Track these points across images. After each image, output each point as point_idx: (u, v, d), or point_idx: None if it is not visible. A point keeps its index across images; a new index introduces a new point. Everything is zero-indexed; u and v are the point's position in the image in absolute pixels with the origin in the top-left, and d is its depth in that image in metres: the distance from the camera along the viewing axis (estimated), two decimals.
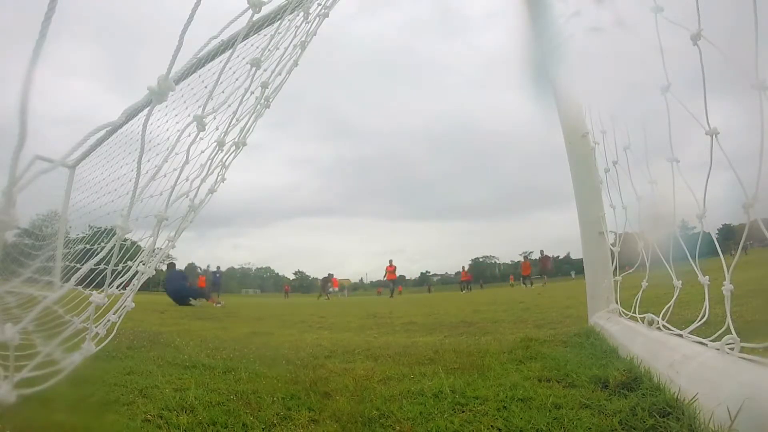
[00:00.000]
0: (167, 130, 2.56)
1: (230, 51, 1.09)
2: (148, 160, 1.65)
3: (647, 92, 1.36)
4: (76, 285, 0.90)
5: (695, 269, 1.30)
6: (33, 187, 0.60)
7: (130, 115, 1.77)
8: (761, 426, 0.66)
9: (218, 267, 18.75)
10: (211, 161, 1.30)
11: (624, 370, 1.14)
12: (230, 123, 1.30)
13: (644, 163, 1.57)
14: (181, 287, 7.12)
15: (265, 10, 0.97)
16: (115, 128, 2.86)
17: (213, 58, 2.12)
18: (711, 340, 1.00)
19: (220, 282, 18.79)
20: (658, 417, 0.84)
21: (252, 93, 1.38)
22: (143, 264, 1.22)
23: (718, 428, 0.72)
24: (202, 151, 1.36)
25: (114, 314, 1.22)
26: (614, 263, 2.11)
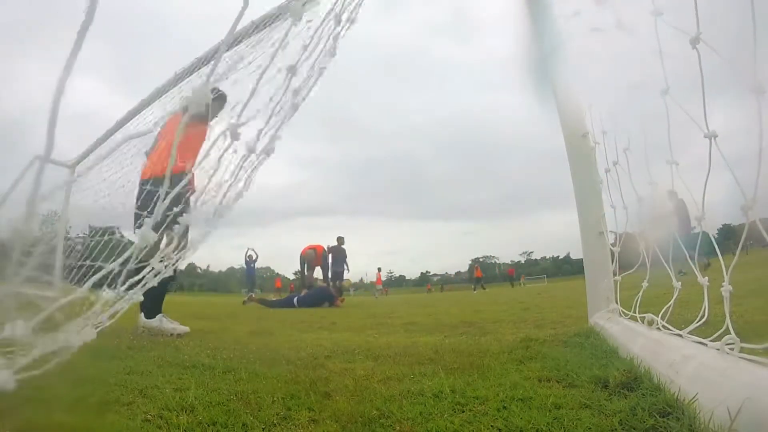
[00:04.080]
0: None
1: (270, 60, 1.07)
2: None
3: (648, 94, 1.36)
4: (92, 287, 0.90)
5: (694, 270, 1.30)
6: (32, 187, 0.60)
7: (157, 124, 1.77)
8: (761, 426, 0.66)
9: (248, 252, 13.59)
10: (241, 168, 1.29)
11: (624, 370, 1.14)
12: (263, 131, 1.29)
13: (644, 164, 1.57)
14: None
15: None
16: (116, 127, 2.85)
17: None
18: (711, 340, 1.00)
19: (254, 273, 14.14)
20: (658, 417, 0.84)
21: (282, 99, 1.36)
22: (161, 263, 1.20)
23: (718, 428, 0.72)
24: (230, 160, 1.34)
25: (119, 304, 1.21)
26: (614, 263, 2.11)
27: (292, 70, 1.16)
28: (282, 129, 1.41)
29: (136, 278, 1.05)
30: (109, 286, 0.98)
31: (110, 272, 0.97)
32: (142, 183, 3.00)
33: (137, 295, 1.16)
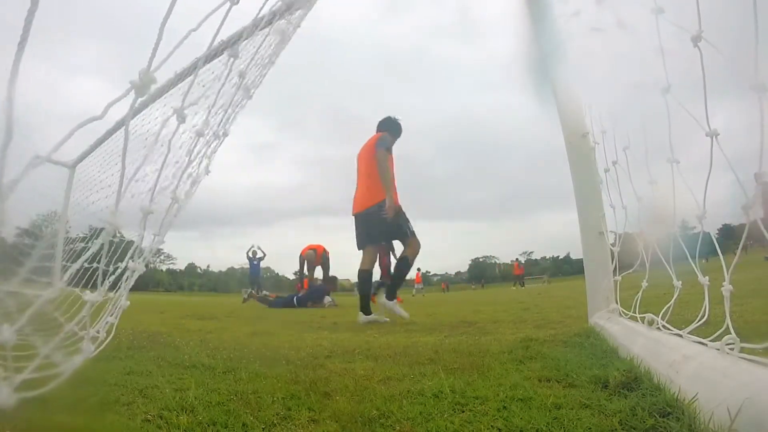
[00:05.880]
0: (156, 117, 2.46)
1: (209, 46, 1.08)
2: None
3: (648, 93, 1.36)
4: (68, 284, 0.89)
5: (695, 269, 1.30)
6: (33, 187, 0.60)
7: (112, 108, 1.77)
8: (761, 426, 0.66)
9: (251, 249, 12.37)
10: (191, 153, 1.28)
11: (624, 370, 1.14)
12: (209, 113, 1.28)
13: (645, 164, 1.57)
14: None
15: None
16: (116, 127, 2.85)
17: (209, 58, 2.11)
18: (711, 340, 1.00)
19: (259, 272, 12.79)
20: (658, 417, 0.84)
21: (229, 82, 1.35)
22: (132, 261, 1.20)
23: (718, 428, 0.72)
24: (182, 144, 1.33)
25: (111, 316, 1.22)
26: (614, 263, 2.11)
27: (234, 53, 1.17)
28: (235, 111, 1.39)
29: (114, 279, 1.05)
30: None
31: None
32: (363, 214, 3.76)
33: (124, 301, 1.16)
